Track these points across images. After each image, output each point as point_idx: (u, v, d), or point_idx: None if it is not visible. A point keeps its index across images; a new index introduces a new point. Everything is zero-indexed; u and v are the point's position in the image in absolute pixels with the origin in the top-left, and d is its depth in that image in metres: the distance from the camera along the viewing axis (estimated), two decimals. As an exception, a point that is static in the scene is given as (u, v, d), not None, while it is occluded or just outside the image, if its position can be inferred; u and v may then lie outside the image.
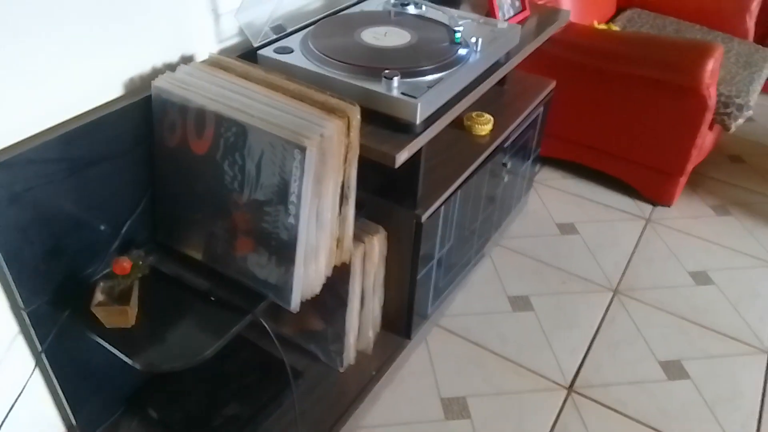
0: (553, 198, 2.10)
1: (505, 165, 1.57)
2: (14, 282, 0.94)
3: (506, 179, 1.62)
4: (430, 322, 1.56)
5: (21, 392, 1.04)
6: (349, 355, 1.36)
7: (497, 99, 1.63)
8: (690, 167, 1.95)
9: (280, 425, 1.23)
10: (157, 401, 1.24)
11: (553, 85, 1.74)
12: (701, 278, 1.79)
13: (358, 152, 1.00)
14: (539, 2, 1.89)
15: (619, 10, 2.39)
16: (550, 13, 1.60)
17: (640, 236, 1.94)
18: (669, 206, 2.06)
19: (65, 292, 1.01)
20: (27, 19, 0.85)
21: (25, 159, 0.88)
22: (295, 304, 1.03)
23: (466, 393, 1.43)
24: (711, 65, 1.71)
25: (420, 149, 1.11)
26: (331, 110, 0.96)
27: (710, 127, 1.89)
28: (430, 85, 1.06)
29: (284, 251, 0.98)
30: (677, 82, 1.77)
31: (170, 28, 1.07)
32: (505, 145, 1.53)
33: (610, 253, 1.87)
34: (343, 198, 1.04)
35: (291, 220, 0.95)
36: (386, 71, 1.05)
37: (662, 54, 1.78)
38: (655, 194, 2.05)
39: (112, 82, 1.01)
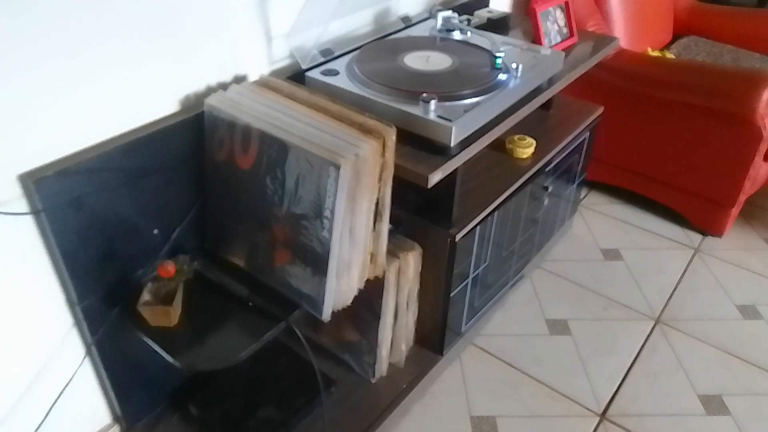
0: (599, 223, 2.08)
1: (546, 188, 1.58)
2: (70, 279, 1.03)
3: (547, 202, 1.63)
4: (465, 340, 1.57)
5: (70, 380, 1.12)
6: (382, 367, 1.40)
7: (542, 123, 1.64)
8: (743, 198, 1.90)
9: (311, 431, 1.27)
10: (198, 399, 1.31)
11: (600, 110, 1.74)
12: (749, 312, 1.73)
13: (392, 172, 1.05)
14: (589, 29, 1.90)
15: (676, 38, 2.36)
16: (600, 40, 1.60)
17: (687, 266, 1.90)
18: (720, 237, 2.01)
19: (116, 291, 1.09)
20: (97, 37, 0.94)
21: (86, 167, 0.97)
22: (326, 315, 1.07)
23: (496, 413, 1.44)
24: (766, 95, 1.67)
25: (455, 170, 1.14)
26: (367, 131, 1.01)
27: (765, 158, 1.84)
28: (467, 109, 1.10)
29: (318, 263, 1.03)
30: (730, 111, 1.74)
31: (226, 50, 1.15)
32: (547, 168, 1.54)
33: (654, 282, 1.84)
34: (377, 215, 1.08)
35: (325, 234, 1.00)
36: (424, 95, 1.09)
37: (715, 82, 1.76)
38: (706, 224, 2.00)
39: (169, 98, 1.10)
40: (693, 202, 1.99)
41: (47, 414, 1.10)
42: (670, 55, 2.14)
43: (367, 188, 1.01)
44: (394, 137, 1.02)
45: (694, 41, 2.30)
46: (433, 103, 1.08)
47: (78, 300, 1.05)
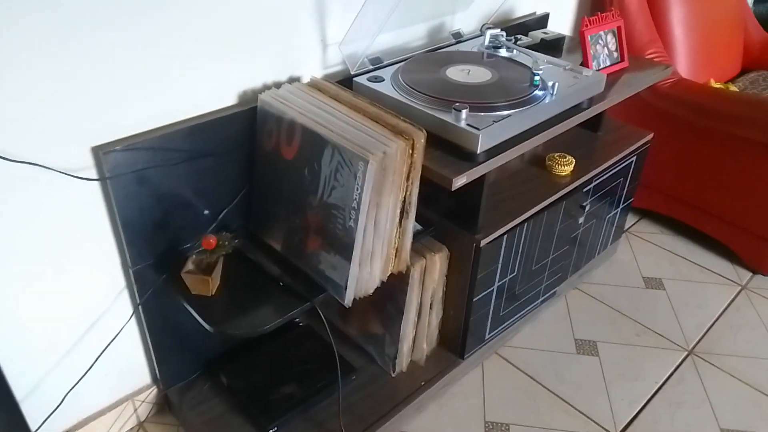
0: (646, 251, 2.07)
1: (583, 207, 1.61)
2: (126, 244, 1.16)
3: (582, 221, 1.65)
4: (489, 348, 1.62)
5: (117, 334, 1.25)
6: (402, 362, 1.46)
7: (589, 143, 1.67)
8: (798, 238, 1.85)
9: (327, 412, 1.36)
10: (229, 370, 1.42)
11: (650, 136, 1.75)
12: (790, 354, 1.69)
13: (420, 172, 1.13)
14: (648, 56, 1.91)
15: (744, 71, 2.31)
16: (652, 67, 1.62)
17: (731, 301, 1.86)
18: (770, 276, 1.96)
19: (165, 259, 1.22)
20: (174, 32, 1.07)
21: (150, 145, 1.10)
22: (348, 300, 1.16)
23: (511, 421, 1.48)
24: (825, 133, 1.64)
25: (483, 177, 1.21)
26: (399, 132, 1.09)
27: (824, 199, 1.79)
28: (496, 120, 1.16)
29: (344, 251, 1.12)
30: (787, 147, 1.71)
31: (284, 53, 1.26)
32: (586, 188, 1.57)
33: (694, 314, 1.81)
34: (403, 212, 1.16)
35: (351, 223, 1.09)
36: (457, 104, 1.16)
37: (772, 117, 1.73)
38: (756, 261, 1.95)
39: (231, 91, 1.22)
40: (745, 239, 1.95)
41: (94, 362, 1.24)
42: (734, 88, 2.11)
43: (393, 185, 1.09)
44: (423, 140, 1.09)
45: (762, 76, 2.25)
46: (464, 112, 1.15)
47: (131, 263, 1.19)
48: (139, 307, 1.24)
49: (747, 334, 1.75)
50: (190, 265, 1.17)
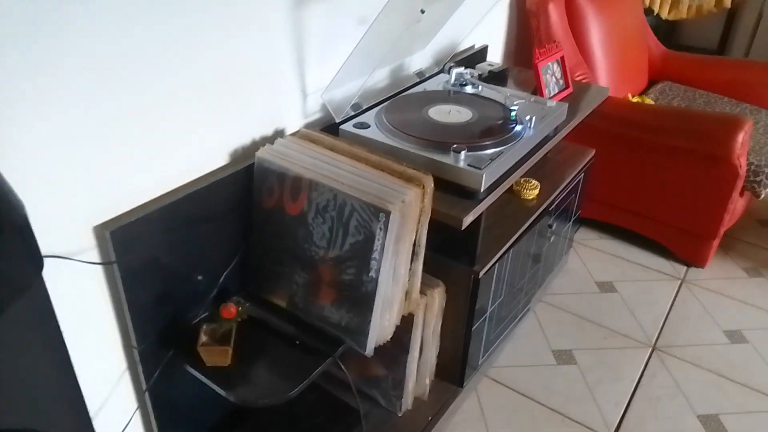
0: (592, 257, 2.21)
1: (551, 226, 1.70)
2: (132, 323, 1.09)
3: (551, 239, 1.75)
4: (480, 373, 1.66)
5: (128, 423, 1.17)
6: (407, 401, 1.47)
7: (543, 166, 1.77)
8: (722, 231, 2.05)
9: (347, 463, 1.34)
10: (235, 437, 1.36)
11: (592, 154, 1.88)
12: (736, 337, 1.87)
13: (429, 215, 1.15)
14: (577, 78, 2.06)
15: (651, 83, 2.55)
16: (591, 90, 1.76)
17: (676, 295, 2.04)
18: (703, 267, 2.16)
19: (170, 333, 1.15)
20: (163, 98, 1.03)
21: (152, 218, 1.04)
22: (369, 350, 1.16)
23: (515, 440, 1.53)
24: (741, 137, 1.84)
25: (481, 213, 1.25)
26: (409, 179, 1.11)
27: (741, 194, 2.01)
28: (492, 158, 1.21)
29: (363, 302, 1.11)
30: (709, 152, 1.91)
31: (268, 107, 1.25)
32: (550, 208, 1.67)
33: (648, 311, 1.96)
34: (414, 255, 1.18)
35: (372, 274, 1.09)
36: (455, 145, 1.20)
37: (696, 126, 1.93)
38: (690, 256, 2.15)
39: (221, 151, 1.18)
40: (677, 236, 2.14)
41: (103, 454, 1.15)
42: (649, 100, 2.32)
43: (409, 231, 1.11)
44: (432, 184, 1.12)
45: (668, 86, 2.49)
46: (463, 153, 1.19)
47: (137, 343, 1.11)
48: (147, 390, 1.16)
49: (696, 323, 1.92)
50: (203, 337, 1.11)
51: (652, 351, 1.82)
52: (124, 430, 1.16)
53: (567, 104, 1.49)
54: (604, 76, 2.18)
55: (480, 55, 1.94)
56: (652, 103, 2.31)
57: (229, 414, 1.40)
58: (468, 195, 1.20)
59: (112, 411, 1.17)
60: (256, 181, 1.19)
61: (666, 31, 3.34)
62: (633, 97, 2.32)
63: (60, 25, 0.84)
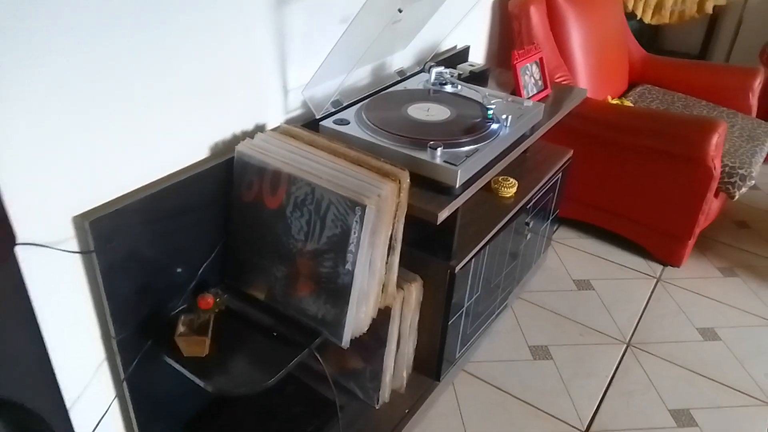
0: (570, 256, 2.25)
1: (527, 224, 1.74)
2: (110, 313, 1.10)
3: (528, 237, 1.78)
4: (457, 367, 1.69)
5: (105, 413, 1.18)
6: (385, 394, 1.49)
7: (521, 165, 1.81)
8: (698, 231, 2.10)
9: (324, 454, 1.36)
10: (212, 429, 1.38)
11: (570, 154, 1.92)
12: (709, 334, 1.91)
13: (405, 210, 1.18)
14: (557, 80, 2.09)
15: (631, 86, 2.60)
16: (569, 91, 1.79)
17: (651, 294, 2.08)
18: (678, 267, 2.20)
19: (148, 324, 1.17)
20: (146, 93, 1.05)
21: (132, 209, 1.06)
22: (346, 341, 1.18)
23: (490, 433, 1.56)
24: (715, 140, 1.89)
25: (457, 208, 1.28)
26: (385, 174, 1.14)
27: (716, 195, 2.05)
28: (468, 155, 1.24)
29: (340, 294, 1.14)
30: (685, 154, 1.95)
31: (250, 102, 1.27)
32: (528, 206, 1.70)
33: (623, 309, 2.00)
34: (390, 248, 1.20)
35: (348, 266, 1.11)
36: (431, 142, 1.23)
37: (672, 129, 1.97)
38: (666, 255, 2.19)
39: (202, 144, 1.20)
40: (654, 236, 2.18)
41: (81, 442, 1.16)
42: (628, 103, 2.36)
43: (385, 225, 1.13)
44: (408, 179, 1.15)
45: (647, 89, 2.54)
46: (439, 150, 1.22)
47: (115, 333, 1.13)
48: (125, 379, 1.18)
49: (670, 321, 1.96)
50: (181, 328, 1.13)
51: (627, 347, 1.85)
52: (102, 418, 1.18)
53: (543, 104, 1.53)
54: (584, 78, 2.22)
55: (462, 55, 1.97)
56: (631, 105, 2.35)
57: (208, 405, 1.41)
58: (444, 191, 1.23)
59: (91, 399, 1.18)
60: (236, 175, 1.21)
61: (649, 35, 3.39)
62: (612, 99, 2.36)
63: (42, 20, 0.86)
